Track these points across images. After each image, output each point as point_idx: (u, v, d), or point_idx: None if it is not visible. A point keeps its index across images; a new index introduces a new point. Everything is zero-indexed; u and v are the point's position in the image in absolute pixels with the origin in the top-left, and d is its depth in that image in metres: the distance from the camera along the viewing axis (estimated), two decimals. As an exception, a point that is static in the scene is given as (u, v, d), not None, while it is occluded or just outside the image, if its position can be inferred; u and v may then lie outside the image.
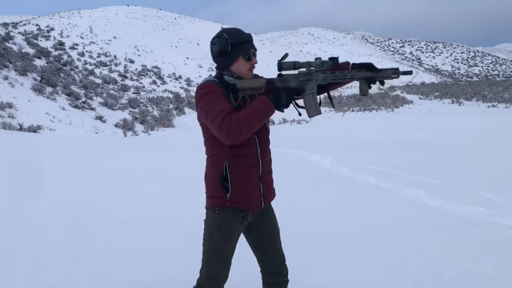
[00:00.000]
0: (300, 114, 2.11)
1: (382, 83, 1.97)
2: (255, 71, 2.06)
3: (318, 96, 2.04)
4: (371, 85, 1.93)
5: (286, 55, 2.00)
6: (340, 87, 2.09)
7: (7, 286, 2.80)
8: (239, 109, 1.91)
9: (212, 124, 1.84)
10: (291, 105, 2.00)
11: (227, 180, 1.94)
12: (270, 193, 2.10)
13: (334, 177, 7.78)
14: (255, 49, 2.00)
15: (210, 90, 1.89)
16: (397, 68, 1.92)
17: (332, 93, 2.12)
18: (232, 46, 1.93)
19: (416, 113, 35.66)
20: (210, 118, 1.84)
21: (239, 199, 1.96)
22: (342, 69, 1.99)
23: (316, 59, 1.93)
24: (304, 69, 1.96)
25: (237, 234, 2.04)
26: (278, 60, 1.95)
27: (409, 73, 1.97)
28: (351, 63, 2.01)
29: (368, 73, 1.92)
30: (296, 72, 1.99)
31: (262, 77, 2.00)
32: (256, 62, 1.99)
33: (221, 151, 1.94)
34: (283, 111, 1.94)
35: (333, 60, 1.92)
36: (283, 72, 1.97)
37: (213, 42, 1.97)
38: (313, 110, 1.97)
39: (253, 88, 1.94)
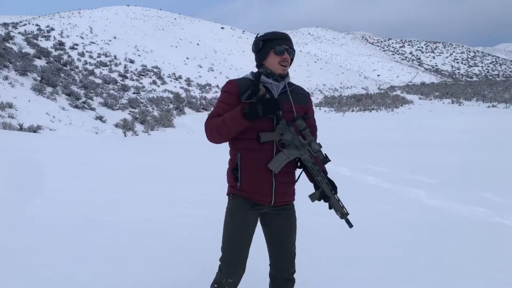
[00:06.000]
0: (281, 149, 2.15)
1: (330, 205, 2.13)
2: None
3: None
4: (321, 200, 2.10)
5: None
6: (307, 175, 2.19)
7: (8, 286, 2.80)
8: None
9: None
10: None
11: (237, 170, 2.07)
12: (285, 193, 2.12)
13: (334, 177, 7.76)
14: (290, 47, 2.11)
15: (226, 90, 2.08)
16: (347, 214, 2.13)
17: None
18: (264, 43, 2.11)
19: (416, 113, 35.64)
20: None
21: (247, 189, 2.06)
22: (323, 169, 2.18)
23: (318, 145, 2.05)
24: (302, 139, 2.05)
25: (250, 223, 2.10)
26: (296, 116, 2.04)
27: (349, 225, 2.16)
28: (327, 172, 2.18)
29: (328, 192, 2.09)
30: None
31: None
32: (287, 58, 2.09)
33: (237, 143, 2.09)
34: (257, 118, 1.96)
35: (325, 159, 2.05)
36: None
37: (251, 44, 2.18)
38: (275, 163, 2.02)
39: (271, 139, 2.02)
